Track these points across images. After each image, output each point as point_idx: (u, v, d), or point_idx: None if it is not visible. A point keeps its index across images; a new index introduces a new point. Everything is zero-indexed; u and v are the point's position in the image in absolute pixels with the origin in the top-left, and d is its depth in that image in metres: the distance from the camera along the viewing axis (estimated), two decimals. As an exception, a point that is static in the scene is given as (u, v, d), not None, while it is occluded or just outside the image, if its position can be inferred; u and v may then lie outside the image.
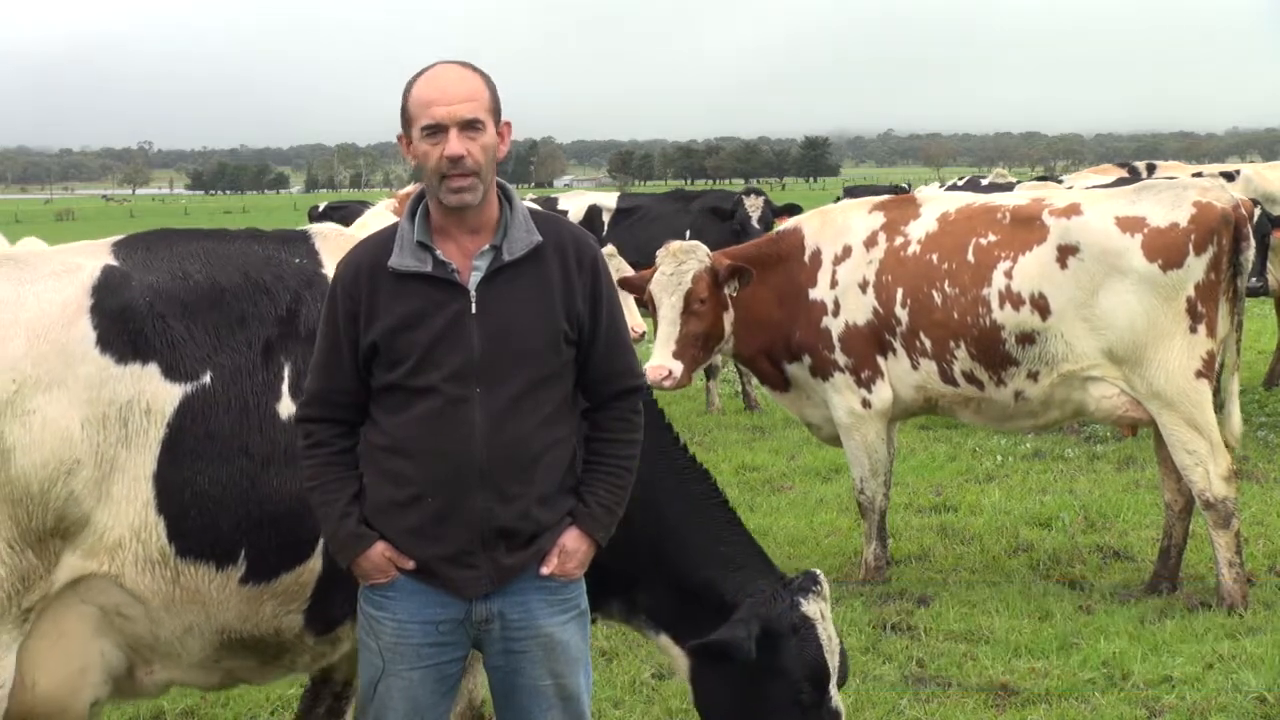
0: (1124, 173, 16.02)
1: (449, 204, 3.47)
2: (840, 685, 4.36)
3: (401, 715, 3.60)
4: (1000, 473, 10.12)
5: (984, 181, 18.37)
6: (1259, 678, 5.89)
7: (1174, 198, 6.99)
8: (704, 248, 7.62)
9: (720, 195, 16.38)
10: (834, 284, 7.45)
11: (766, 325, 7.59)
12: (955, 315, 7.13)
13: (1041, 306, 6.97)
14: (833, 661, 4.29)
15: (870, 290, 7.36)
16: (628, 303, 8.47)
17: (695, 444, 9.48)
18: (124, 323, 3.83)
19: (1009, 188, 14.22)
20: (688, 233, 12.37)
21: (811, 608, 4.30)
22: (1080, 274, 6.93)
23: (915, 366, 7.32)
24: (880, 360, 7.39)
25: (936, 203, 7.56)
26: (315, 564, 3.99)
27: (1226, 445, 6.94)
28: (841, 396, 7.48)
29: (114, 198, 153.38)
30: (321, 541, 3.85)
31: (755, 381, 11.20)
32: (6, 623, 3.79)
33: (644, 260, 8.67)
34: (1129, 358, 6.88)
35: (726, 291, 7.46)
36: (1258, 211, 10.27)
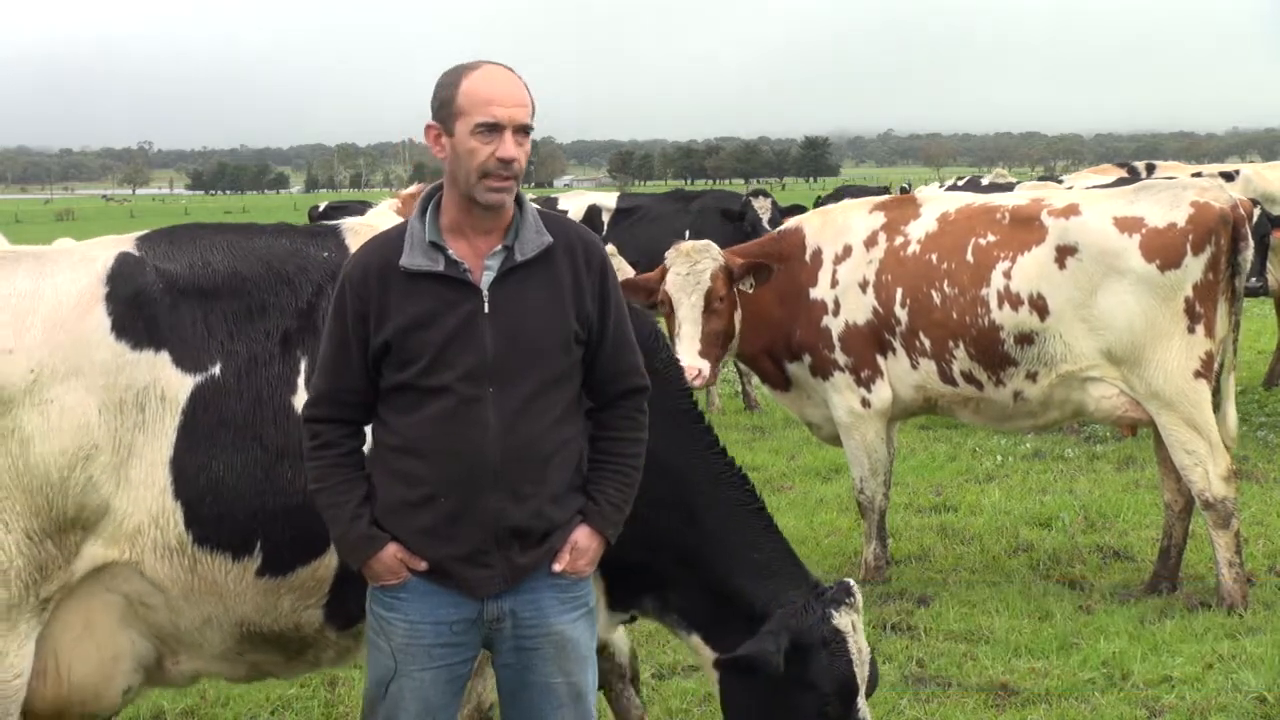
0: (1124, 173, 16.01)
1: (486, 202, 3.46)
2: (869, 695, 4.36)
3: (413, 716, 3.60)
4: (1000, 473, 10.12)
5: (984, 181, 18.36)
6: (1259, 678, 5.89)
7: (1172, 198, 6.99)
8: (715, 246, 7.62)
9: (720, 195, 16.38)
10: (834, 283, 7.46)
11: (768, 324, 7.60)
12: (954, 315, 7.14)
13: (1040, 307, 6.97)
14: (862, 673, 4.29)
15: (870, 290, 7.36)
16: None
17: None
18: (138, 309, 3.86)
19: (1009, 188, 14.22)
20: (687, 233, 12.38)
21: (843, 620, 4.29)
22: (1079, 274, 6.93)
23: (915, 366, 7.32)
24: (880, 360, 7.39)
25: (936, 203, 7.57)
26: (332, 560, 3.99)
27: (1224, 445, 6.94)
28: (841, 396, 7.48)
29: (114, 198, 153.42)
30: None
31: (755, 381, 11.21)
32: (25, 612, 3.82)
33: (644, 260, 8.68)
34: (1127, 358, 6.89)
35: (741, 288, 7.47)
36: (1257, 211, 10.26)
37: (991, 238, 7.16)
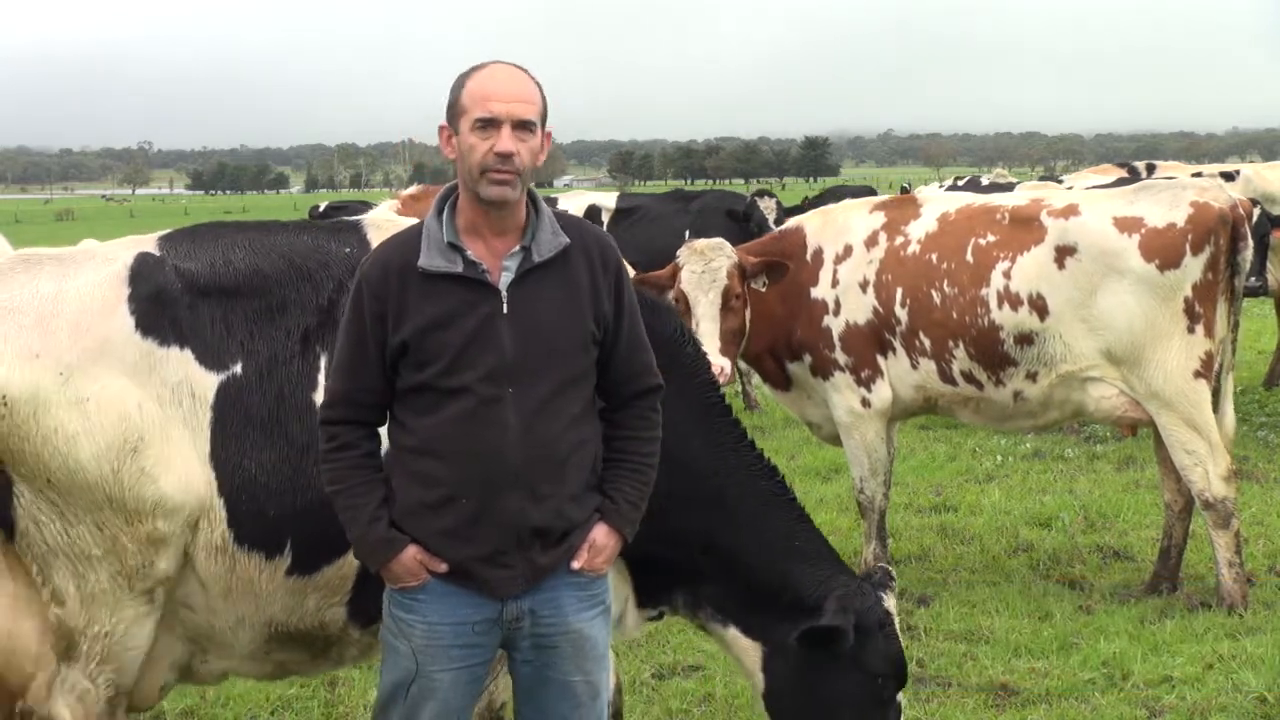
0: (1124, 173, 16.01)
1: (487, 196, 3.46)
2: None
3: (433, 716, 3.60)
4: (1000, 473, 10.12)
5: (984, 181, 18.36)
6: (1259, 678, 5.89)
7: (1172, 198, 6.99)
8: (728, 244, 7.62)
9: (720, 195, 16.37)
10: (835, 283, 7.46)
11: (770, 323, 7.60)
12: (954, 315, 7.14)
13: (1040, 307, 6.97)
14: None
15: (870, 290, 7.37)
16: None
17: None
18: (160, 306, 3.89)
19: (1009, 188, 14.22)
20: (688, 233, 12.37)
21: (891, 603, 4.39)
22: (1078, 274, 6.93)
23: (915, 366, 7.32)
24: (880, 360, 7.39)
25: (937, 203, 7.57)
26: (354, 558, 4.00)
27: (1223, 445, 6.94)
28: (841, 395, 7.48)
29: (114, 198, 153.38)
30: None
31: (756, 381, 11.20)
32: (125, 600, 3.90)
33: (644, 260, 8.67)
34: (1127, 358, 6.89)
35: (755, 287, 7.48)
36: (1257, 211, 10.27)
37: (991, 238, 7.16)
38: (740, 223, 13.79)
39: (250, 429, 3.93)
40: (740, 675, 6.12)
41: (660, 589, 4.44)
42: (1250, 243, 7.06)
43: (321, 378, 3.99)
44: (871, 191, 19.61)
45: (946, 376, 7.25)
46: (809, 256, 7.58)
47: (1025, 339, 7.02)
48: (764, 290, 7.46)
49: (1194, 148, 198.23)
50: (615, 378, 3.66)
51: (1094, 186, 10.69)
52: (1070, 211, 7.08)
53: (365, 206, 18.97)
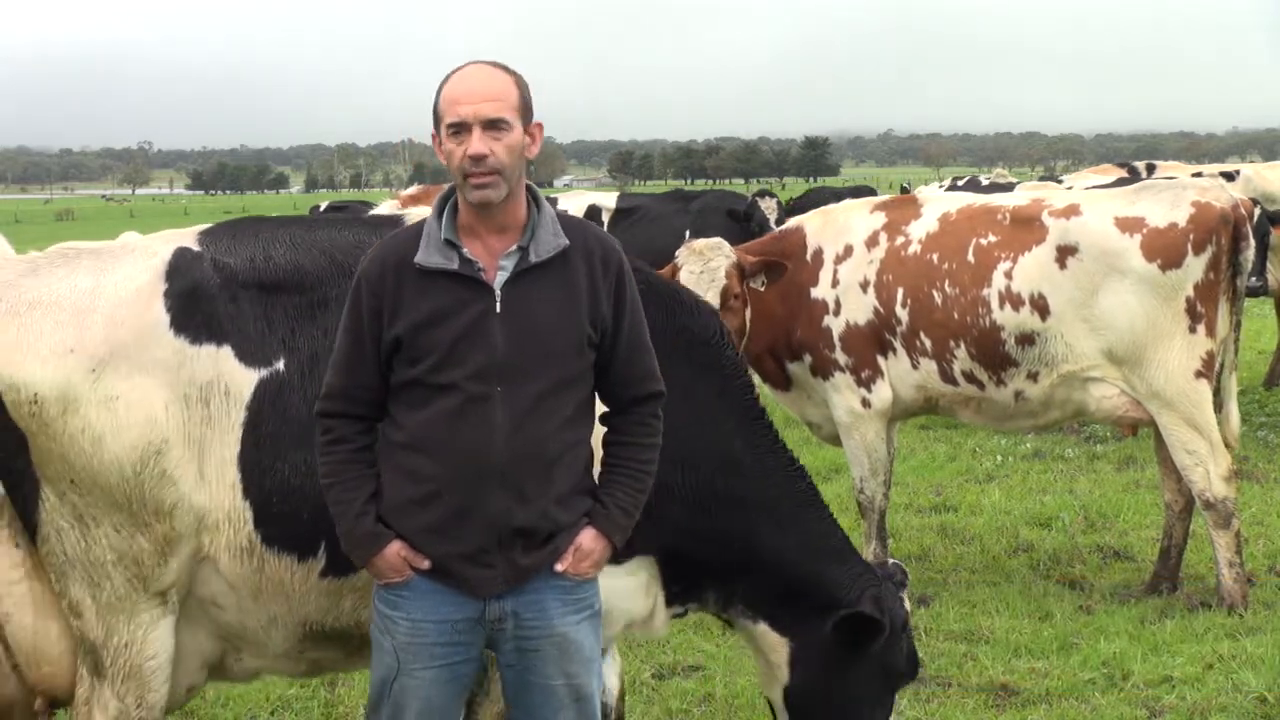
0: (1124, 173, 16.02)
1: (471, 200, 3.47)
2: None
3: (416, 714, 3.60)
4: (1000, 473, 10.12)
5: (984, 181, 18.36)
6: (1259, 678, 5.89)
7: (1173, 198, 6.99)
8: (726, 244, 7.62)
9: (720, 195, 16.38)
10: (835, 283, 7.45)
11: (770, 323, 7.60)
12: (955, 315, 7.13)
13: (1041, 307, 6.97)
14: None
15: (871, 290, 7.36)
16: None
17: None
18: (195, 303, 3.85)
19: (1009, 188, 14.22)
20: (688, 233, 12.38)
21: (909, 603, 4.48)
22: (1079, 274, 6.93)
23: (915, 366, 7.32)
24: (880, 360, 7.39)
25: (937, 203, 7.57)
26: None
27: (1225, 445, 6.94)
28: (841, 396, 7.48)
29: (114, 198, 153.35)
30: None
31: (755, 381, 11.19)
32: (140, 603, 3.87)
33: (644, 260, 8.66)
34: (1129, 358, 6.88)
35: (753, 286, 7.47)
36: (1257, 211, 10.26)
37: (992, 238, 7.16)
38: (741, 223, 13.81)
39: (286, 428, 3.89)
40: (740, 675, 6.15)
41: (695, 587, 4.45)
42: (1252, 242, 7.06)
43: None
44: (854, 194, 19.48)
45: (947, 376, 7.25)
46: (809, 256, 7.57)
47: (1026, 339, 7.02)
48: (763, 290, 7.46)
49: (1194, 148, 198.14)
50: (615, 381, 3.64)
51: (1094, 186, 10.69)
52: (1071, 211, 7.08)
53: (365, 206, 18.98)
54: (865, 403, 7.43)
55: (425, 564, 3.52)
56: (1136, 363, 6.87)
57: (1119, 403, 7.01)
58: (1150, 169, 16.39)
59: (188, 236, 4.07)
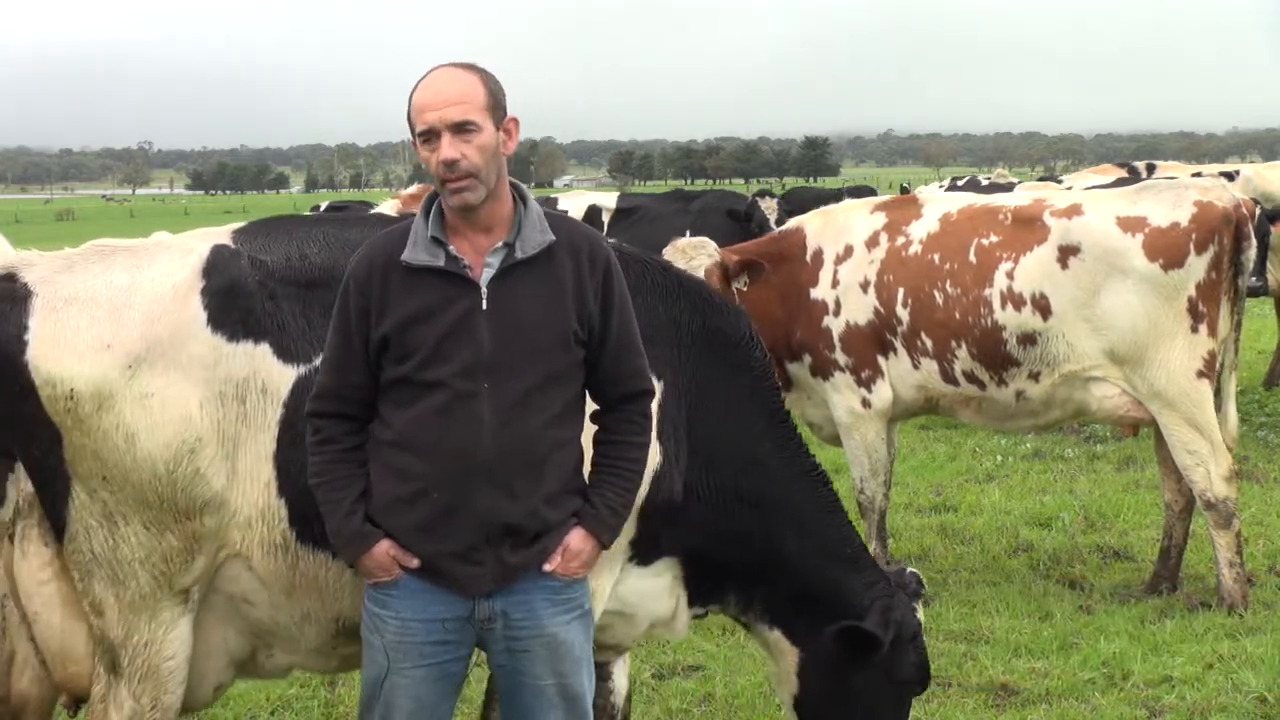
0: (1124, 173, 16.02)
1: (451, 204, 3.49)
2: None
3: (406, 713, 3.60)
4: (1000, 473, 10.12)
5: (984, 181, 18.37)
6: (1259, 678, 5.89)
7: (1175, 197, 6.99)
8: (712, 243, 7.63)
9: (720, 195, 16.38)
10: (835, 283, 7.45)
11: (768, 324, 7.58)
12: (956, 315, 7.13)
13: (1043, 307, 6.96)
14: None
15: (871, 290, 7.36)
16: None
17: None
18: (232, 300, 3.83)
19: (1009, 188, 14.21)
20: (688, 232, 12.35)
21: (921, 612, 4.46)
22: (1081, 274, 6.93)
23: (916, 366, 7.32)
24: (880, 360, 7.39)
25: (938, 203, 7.56)
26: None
27: (1225, 445, 6.94)
28: (841, 396, 7.48)
29: (114, 198, 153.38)
30: None
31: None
32: (163, 601, 3.86)
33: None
34: (1130, 358, 6.88)
35: (736, 286, 7.47)
36: (1258, 211, 10.26)
37: (994, 238, 7.16)
38: (741, 223, 13.80)
39: None
40: (740, 675, 6.15)
41: (717, 589, 4.45)
42: (1254, 242, 7.06)
43: None
44: (839, 196, 19.36)
45: (948, 377, 7.24)
46: (809, 257, 7.58)
47: (1028, 339, 7.01)
48: (745, 290, 7.46)
49: (1194, 148, 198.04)
50: (603, 378, 3.64)
51: (1093, 186, 10.69)
52: (1073, 211, 7.08)
53: (366, 206, 18.98)
54: (865, 403, 7.43)
55: (414, 562, 3.53)
56: (1138, 362, 6.87)
57: (1120, 402, 7.01)
58: (1150, 169, 16.40)
59: (223, 235, 4.06)
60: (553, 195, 18.21)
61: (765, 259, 7.57)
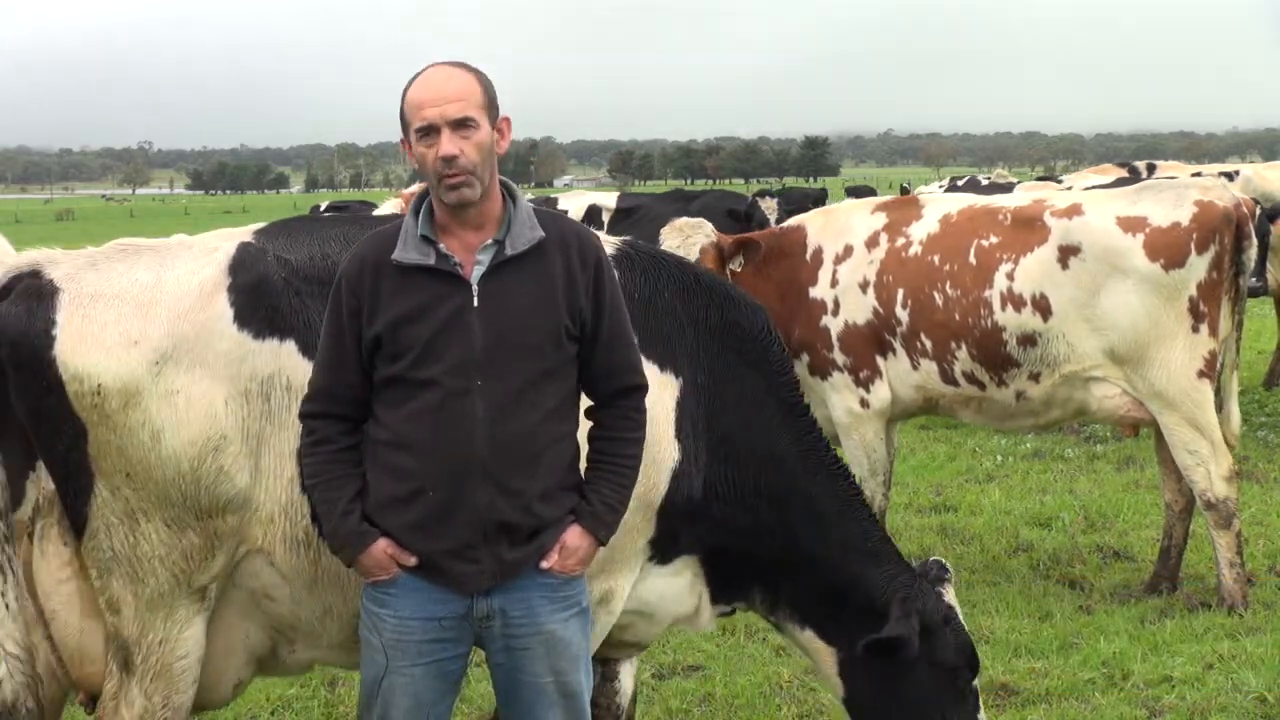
0: (1124, 172, 16.03)
1: (448, 202, 3.49)
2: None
3: (404, 712, 3.60)
4: (1000, 473, 10.11)
5: (984, 181, 18.38)
6: (1259, 678, 5.89)
7: (1175, 197, 6.98)
8: (709, 224, 7.63)
9: (720, 195, 16.40)
10: (834, 283, 7.45)
11: (768, 320, 7.59)
12: (956, 316, 7.13)
13: (1043, 307, 6.96)
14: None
15: (871, 290, 7.36)
16: None
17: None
18: (259, 298, 3.84)
19: (1009, 188, 14.22)
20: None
21: (951, 596, 4.44)
22: (1081, 274, 6.92)
23: (915, 367, 7.31)
24: (879, 360, 7.39)
25: (939, 204, 7.56)
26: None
27: (1226, 445, 6.94)
28: (840, 396, 7.47)
29: (114, 198, 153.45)
30: None
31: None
32: (180, 599, 3.85)
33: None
34: (1131, 358, 6.88)
35: (731, 268, 7.47)
36: (1259, 211, 10.25)
37: (994, 239, 7.15)
38: (741, 223, 13.82)
39: None
40: (740, 675, 6.15)
41: (739, 585, 4.44)
42: (1255, 241, 7.05)
43: None
44: (825, 196, 19.33)
45: (948, 377, 7.24)
46: (809, 256, 7.57)
47: (1028, 339, 7.01)
48: (739, 271, 7.46)
49: (1194, 148, 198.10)
50: (596, 374, 3.64)
51: (1093, 187, 10.69)
52: (1073, 211, 7.07)
53: (366, 206, 18.99)
54: (864, 403, 7.43)
55: (412, 561, 3.53)
56: (1139, 362, 6.87)
57: (1121, 403, 7.01)
58: (1151, 169, 16.41)
59: (246, 234, 4.07)
60: (553, 195, 18.24)
61: (767, 254, 7.57)
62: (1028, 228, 7.11)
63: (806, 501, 4.36)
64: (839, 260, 7.48)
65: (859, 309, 7.38)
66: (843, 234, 7.54)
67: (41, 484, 3.84)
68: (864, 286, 7.38)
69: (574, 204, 15.20)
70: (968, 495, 9.40)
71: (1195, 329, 6.82)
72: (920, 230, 7.36)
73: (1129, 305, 6.84)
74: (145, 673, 3.88)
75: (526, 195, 3.73)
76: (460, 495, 3.47)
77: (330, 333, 3.58)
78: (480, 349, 3.46)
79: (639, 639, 4.48)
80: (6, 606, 3.89)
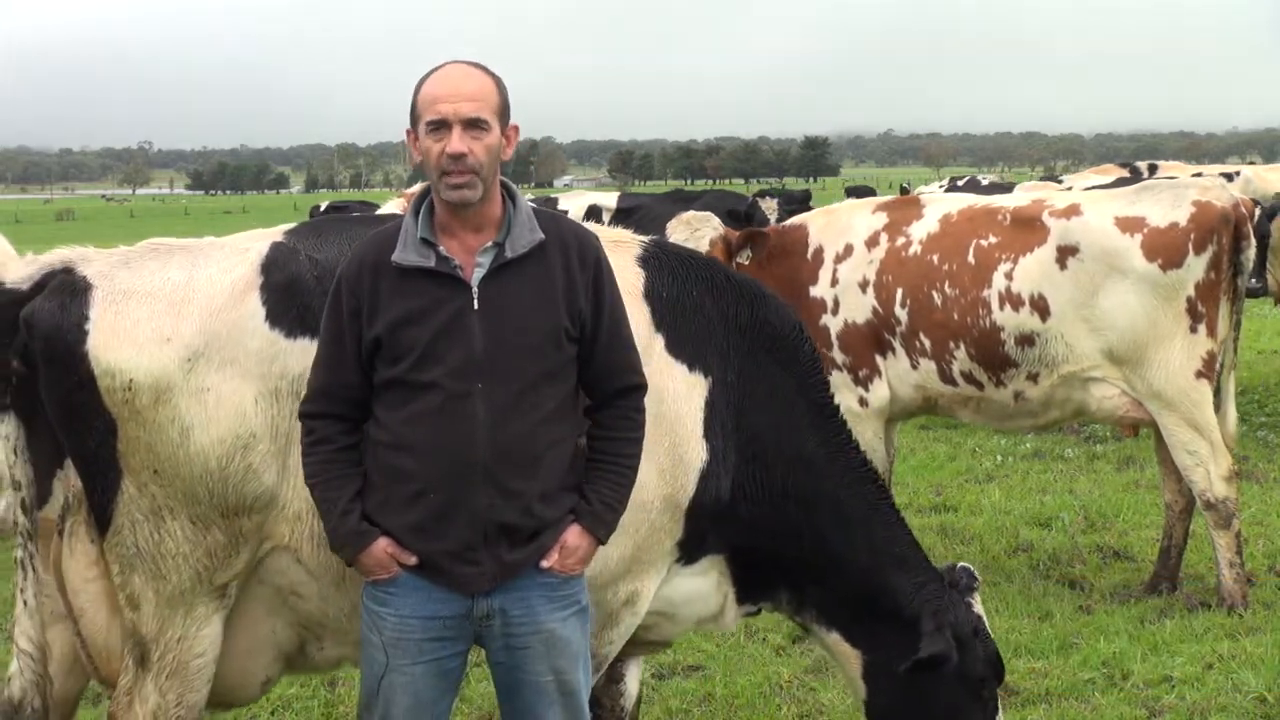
0: (1124, 173, 16.03)
1: (448, 199, 3.49)
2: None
3: (404, 710, 3.61)
4: (1000, 473, 10.11)
5: (984, 181, 18.39)
6: (1259, 678, 5.89)
7: (1174, 197, 6.98)
8: (715, 218, 7.64)
9: (720, 195, 16.41)
10: (834, 282, 7.46)
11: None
12: (955, 316, 7.13)
13: (1041, 307, 6.96)
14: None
15: (870, 289, 7.36)
16: None
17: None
18: (291, 296, 3.85)
19: (1008, 189, 14.23)
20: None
21: (979, 605, 4.43)
22: (1080, 274, 6.93)
23: (914, 366, 7.32)
24: (879, 359, 7.39)
25: (939, 204, 7.56)
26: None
27: (1225, 445, 6.94)
28: (839, 395, 7.43)
29: (114, 198, 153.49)
30: None
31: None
32: (199, 596, 3.86)
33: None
34: (1129, 358, 6.88)
35: (738, 261, 7.48)
36: (1258, 211, 10.26)
37: (993, 239, 7.16)
38: (742, 223, 13.83)
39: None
40: (740, 675, 6.15)
41: (765, 585, 4.44)
42: (1253, 242, 7.05)
43: None
44: (809, 197, 19.30)
45: (947, 377, 7.24)
46: (809, 255, 7.58)
47: (1026, 340, 7.01)
48: (747, 264, 7.47)
49: (1194, 148, 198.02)
50: (596, 374, 3.64)
51: (1093, 187, 10.70)
52: (1072, 212, 7.08)
53: (366, 206, 18.98)
54: (863, 402, 7.43)
55: (412, 560, 3.53)
56: (1137, 363, 6.87)
57: (1120, 403, 7.01)
58: (1152, 169, 16.41)
59: (277, 234, 4.08)
60: (553, 195, 18.24)
61: (769, 252, 7.58)
62: (1027, 228, 7.11)
63: (834, 504, 4.34)
64: (839, 259, 7.48)
65: (859, 308, 7.38)
66: (843, 233, 7.54)
67: (70, 482, 3.86)
68: (864, 286, 7.38)
69: (574, 204, 15.21)
70: (968, 495, 9.40)
71: (1193, 329, 6.83)
72: (920, 230, 7.36)
73: (1127, 305, 6.85)
74: (161, 670, 3.88)
75: (526, 195, 3.73)
76: (461, 497, 3.47)
77: (329, 332, 3.58)
78: (481, 352, 3.46)
79: (663, 638, 4.50)
80: (25, 604, 3.92)
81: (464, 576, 3.52)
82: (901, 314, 7.27)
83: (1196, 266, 6.83)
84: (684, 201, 15.29)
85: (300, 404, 3.66)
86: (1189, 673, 6.02)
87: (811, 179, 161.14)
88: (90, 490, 3.81)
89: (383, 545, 3.53)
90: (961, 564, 4.56)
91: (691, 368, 4.14)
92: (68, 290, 3.79)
